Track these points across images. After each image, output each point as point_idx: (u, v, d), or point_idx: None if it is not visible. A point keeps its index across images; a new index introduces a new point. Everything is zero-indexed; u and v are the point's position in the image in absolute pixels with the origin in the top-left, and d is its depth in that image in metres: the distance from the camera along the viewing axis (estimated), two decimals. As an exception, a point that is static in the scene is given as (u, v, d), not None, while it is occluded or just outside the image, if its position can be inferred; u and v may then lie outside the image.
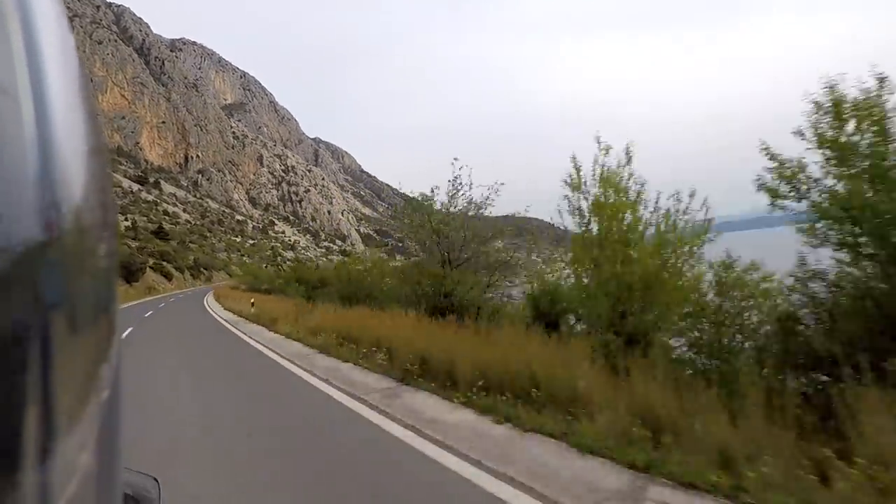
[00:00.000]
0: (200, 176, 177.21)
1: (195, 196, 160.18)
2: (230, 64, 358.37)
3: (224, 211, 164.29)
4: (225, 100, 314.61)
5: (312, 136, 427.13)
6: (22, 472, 0.22)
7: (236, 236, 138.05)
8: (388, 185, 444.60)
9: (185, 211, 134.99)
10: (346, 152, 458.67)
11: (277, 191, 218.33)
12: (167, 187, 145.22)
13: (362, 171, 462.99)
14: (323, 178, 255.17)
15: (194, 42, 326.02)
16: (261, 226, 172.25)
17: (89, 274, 0.30)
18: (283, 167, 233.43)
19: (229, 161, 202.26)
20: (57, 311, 0.25)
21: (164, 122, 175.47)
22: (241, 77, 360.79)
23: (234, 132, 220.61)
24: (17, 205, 0.24)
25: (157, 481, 0.64)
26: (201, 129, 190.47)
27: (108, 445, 0.31)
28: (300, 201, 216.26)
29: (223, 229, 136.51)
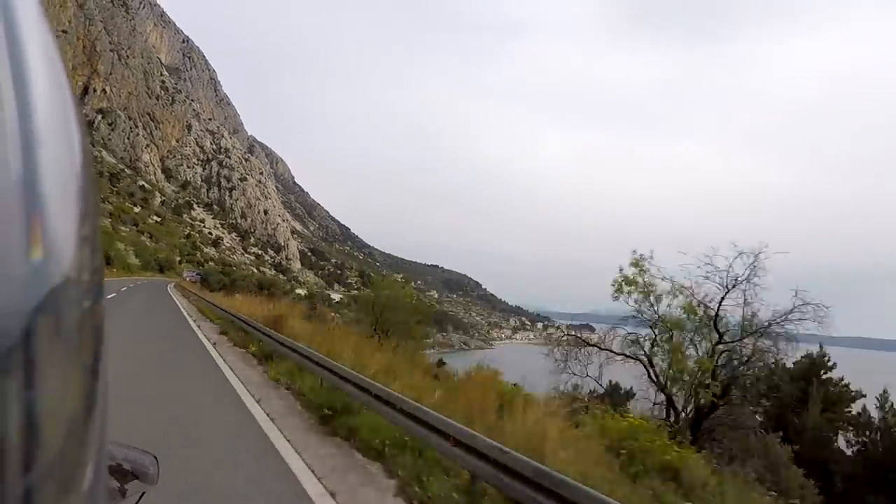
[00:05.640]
0: (101, 118, 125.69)
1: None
2: (174, 23, 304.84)
3: (123, 170, 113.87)
4: (158, 59, 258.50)
5: (248, 133, 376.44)
6: (8, 477, 0.22)
7: (135, 205, 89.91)
8: (319, 203, 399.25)
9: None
10: (280, 158, 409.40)
11: (203, 169, 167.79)
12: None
13: (295, 182, 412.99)
14: (261, 172, 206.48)
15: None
16: (173, 204, 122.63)
17: (76, 277, 0.29)
18: (214, 146, 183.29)
19: (147, 113, 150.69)
20: (42, 316, 0.25)
21: (65, 32, 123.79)
22: (184, 42, 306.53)
23: (163, 81, 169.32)
24: (1, 211, 0.23)
25: (156, 458, 0.66)
26: (119, 59, 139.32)
27: (96, 444, 0.31)
28: (231, 189, 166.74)
29: (115, 189, 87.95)
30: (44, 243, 0.25)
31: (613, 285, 11.80)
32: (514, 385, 9.98)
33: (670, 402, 11.06)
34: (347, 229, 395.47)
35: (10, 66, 0.26)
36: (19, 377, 0.23)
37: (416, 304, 18.58)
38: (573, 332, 15.39)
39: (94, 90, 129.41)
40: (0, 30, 0.26)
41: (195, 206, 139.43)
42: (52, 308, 0.26)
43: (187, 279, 45.26)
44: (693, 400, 10.86)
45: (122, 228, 64.58)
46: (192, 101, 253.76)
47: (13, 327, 0.23)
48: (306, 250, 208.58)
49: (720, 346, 11.11)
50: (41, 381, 0.24)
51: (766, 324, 10.66)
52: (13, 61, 0.26)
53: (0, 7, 0.27)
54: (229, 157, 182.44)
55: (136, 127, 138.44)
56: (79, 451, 0.29)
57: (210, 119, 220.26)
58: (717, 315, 11.03)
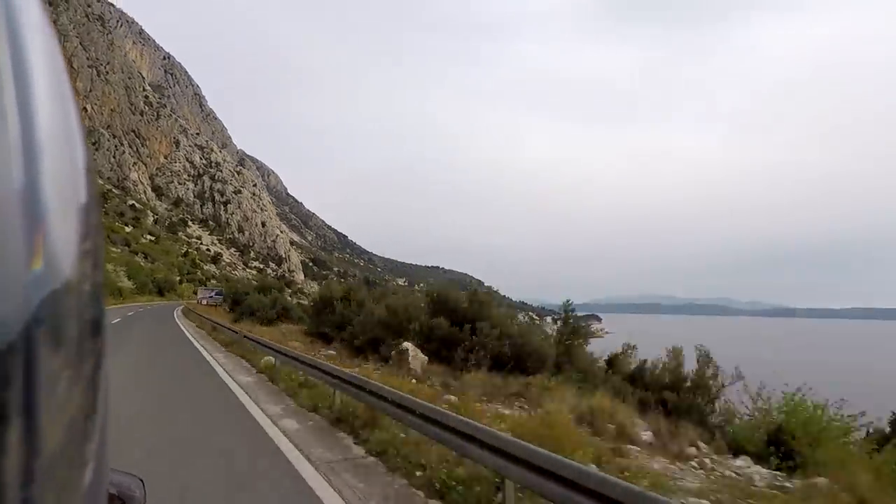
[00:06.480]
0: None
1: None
2: (153, 40, 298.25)
3: (112, 190, 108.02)
4: (140, 73, 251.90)
5: (238, 147, 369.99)
6: (7, 486, 0.22)
7: (126, 224, 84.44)
8: (314, 213, 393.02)
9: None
10: (272, 170, 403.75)
11: (195, 185, 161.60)
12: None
13: (288, 194, 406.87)
14: (254, 184, 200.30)
15: (112, 3, 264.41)
16: (167, 222, 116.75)
17: (76, 288, 0.29)
18: (205, 160, 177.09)
19: (133, 130, 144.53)
20: (42, 325, 0.25)
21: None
22: (165, 59, 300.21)
23: (146, 96, 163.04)
24: (2, 220, 0.23)
25: (142, 481, 0.65)
26: (98, 76, 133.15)
27: (95, 459, 0.31)
28: (225, 203, 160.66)
29: (104, 209, 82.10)
30: (45, 253, 0.25)
31: None
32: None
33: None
34: (345, 237, 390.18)
35: (12, 72, 0.26)
36: (18, 385, 0.23)
37: None
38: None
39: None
40: (3, 36, 0.26)
41: (190, 222, 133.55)
42: (51, 317, 0.26)
43: (203, 303, 37.75)
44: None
45: (113, 249, 58.82)
46: (178, 117, 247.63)
47: (12, 335, 0.23)
48: (307, 261, 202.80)
49: None
50: (40, 390, 0.24)
51: None
52: (16, 68, 0.26)
53: (2, 11, 0.26)
54: (221, 171, 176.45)
55: (122, 145, 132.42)
56: (78, 462, 0.29)
57: (198, 134, 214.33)
58: None
